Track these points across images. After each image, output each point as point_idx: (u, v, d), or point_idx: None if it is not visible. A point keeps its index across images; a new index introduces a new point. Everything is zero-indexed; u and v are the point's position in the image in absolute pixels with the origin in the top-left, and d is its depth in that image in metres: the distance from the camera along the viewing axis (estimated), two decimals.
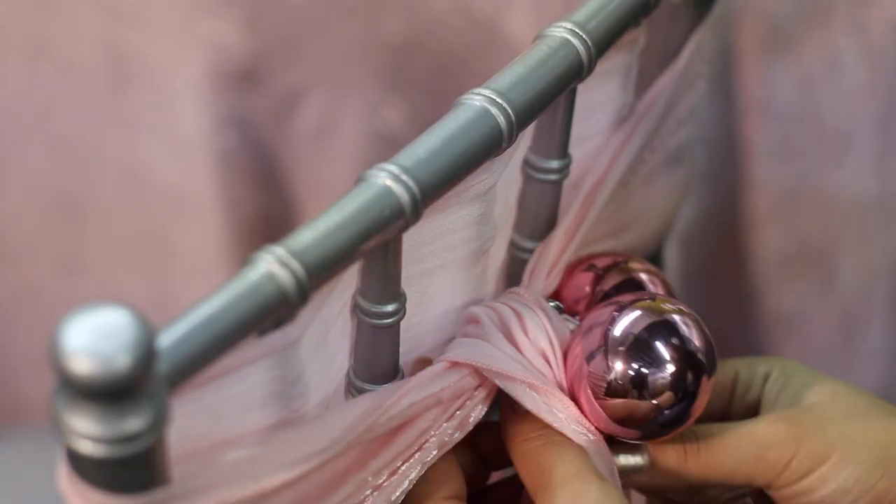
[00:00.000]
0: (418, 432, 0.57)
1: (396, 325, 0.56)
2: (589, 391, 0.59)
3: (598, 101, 0.65)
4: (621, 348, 0.58)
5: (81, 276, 1.01)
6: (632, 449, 0.61)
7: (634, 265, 0.65)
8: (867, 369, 1.01)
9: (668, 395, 0.58)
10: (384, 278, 0.55)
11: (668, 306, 0.60)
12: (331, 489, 0.54)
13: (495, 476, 0.66)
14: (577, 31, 0.58)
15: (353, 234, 0.51)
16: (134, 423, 0.45)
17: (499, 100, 0.55)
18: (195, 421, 0.50)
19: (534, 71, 0.57)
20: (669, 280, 0.66)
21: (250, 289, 0.48)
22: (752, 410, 0.65)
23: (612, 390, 0.59)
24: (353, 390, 0.58)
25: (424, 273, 0.59)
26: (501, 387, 0.59)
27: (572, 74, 0.58)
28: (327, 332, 0.55)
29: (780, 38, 0.92)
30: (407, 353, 0.59)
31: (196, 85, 0.94)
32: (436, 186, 0.53)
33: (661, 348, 0.58)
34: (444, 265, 0.59)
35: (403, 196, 0.52)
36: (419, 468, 0.57)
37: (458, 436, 0.58)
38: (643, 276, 0.65)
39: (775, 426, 0.61)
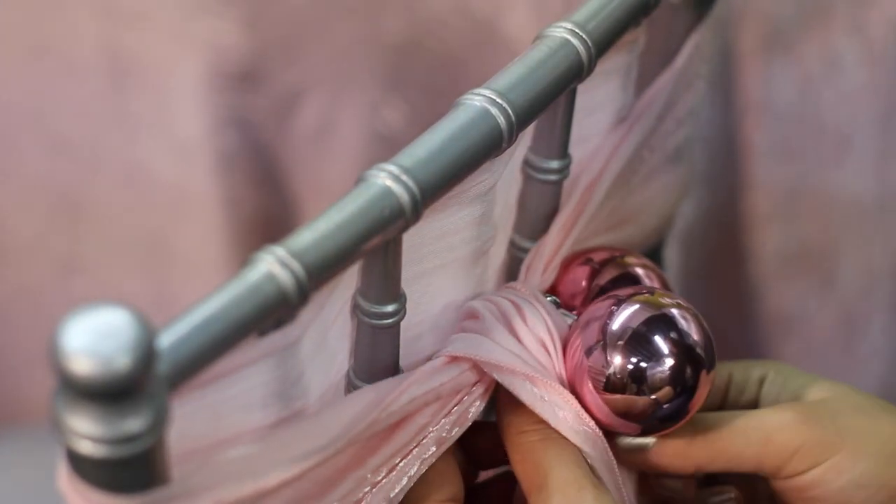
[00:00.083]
0: (416, 429, 0.57)
1: (396, 325, 0.56)
2: (589, 384, 0.59)
3: (598, 102, 0.65)
4: (620, 342, 0.58)
5: (81, 276, 1.01)
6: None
7: (631, 260, 0.65)
8: (867, 369, 1.01)
9: (666, 390, 0.58)
10: (384, 278, 0.55)
11: (666, 300, 0.60)
12: (329, 486, 0.54)
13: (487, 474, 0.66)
14: (577, 31, 0.58)
15: (353, 234, 0.51)
16: (134, 423, 0.45)
17: (499, 100, 0.55)
18: (195, 421, 0.50)
19: (534, 71, 0.57)
20: (666, 276, 0.66)
21: (250, 289, 0.48)
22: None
23: (612, 384, 0.58)
24: (352, 390, 0.58)
25: (425, 273, 0.59)
26: (500, 381, 0.59)
27: (572, 75, 0.58)
28: (327, 331, 0.55)
29: (779, 39, 0.92)
30: (407, 354, 0.59)
31: (196, 85, 0.94)
32: (436, 187, 0.53)
33: (660, 342, 0.58)
34: (444, 265, 0.59)
35: (403, 196, 0.52)
36: (418, 464, 0.57)
37: (458, 431, 0.58)
38: (639, 271, 0.65)
39: (783, 413, 0.61)
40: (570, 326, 0.61)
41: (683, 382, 0.58)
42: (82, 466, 0.46)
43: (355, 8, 0.93)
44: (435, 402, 0.57)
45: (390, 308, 0.56)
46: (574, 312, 0.63)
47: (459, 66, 0.94)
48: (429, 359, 0.59)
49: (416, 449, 0.57)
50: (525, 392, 0.59)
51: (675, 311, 0.59)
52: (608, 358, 0.59)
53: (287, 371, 0.52)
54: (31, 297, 1.02)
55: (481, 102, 0.55)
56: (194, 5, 0.92)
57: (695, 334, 0.59)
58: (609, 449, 0.59)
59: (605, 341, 0.59)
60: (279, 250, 0.49)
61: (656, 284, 0.65)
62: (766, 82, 0.93)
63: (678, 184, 0.73)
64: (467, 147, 0.54)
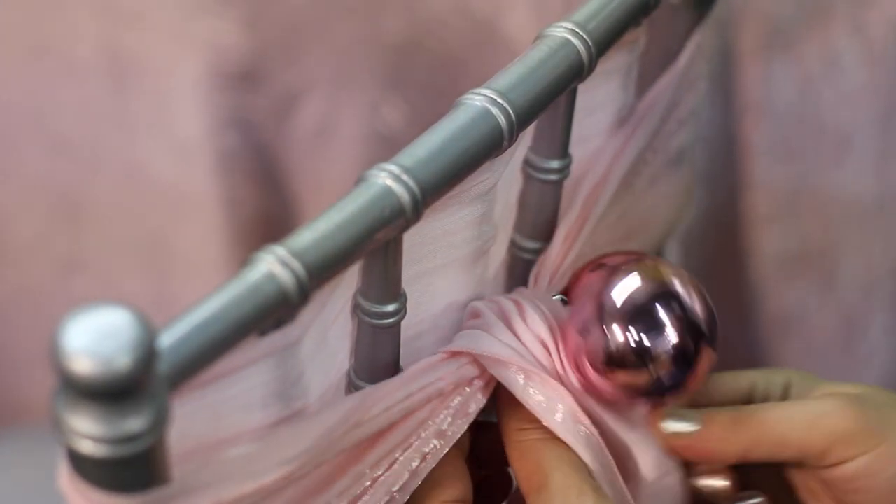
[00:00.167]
0: (416, 423, 0.57)
1: (397, 325, 0.56)
2: (588, 363, 0.59)
3: (598, 101, 0.65)
4: (620, 316, 0.58)
5: (81, 275, 1.01)
6: (681, 415, 0.60)
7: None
8: (867, 370, 1.01)
9: (668, 363, 0.58)
10: (385, 278, 0.55)
11: (667, 270, 0.59)
12: (328, 483, 0.54)
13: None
14: (577, 31, 0.58)
15: (353, 234, 0.51)
16: (135, 423, 0.45)
17: (499, 100, 0.55)
18: (195, 421, 0.50)
19: (534, 71, 0.57)
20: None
21: (251, 289, 0.48)
22: None
23: (612, 359, 0.58)
24: (353, 390, 0.58)
25: (425, 273, 0.59)
26: (497, 377, 0.59)
27: (573, 74, 0.58)
28: (327, 331, 0.55)
29: (780, 39, 0.92)
30: (407, 353, 0.59)
31: (196, 85, 0.94)
32: (436, 186, 0.53)
33: (662, 315, 0.58)
34: (444, 265, 0.59)
35: (404, 196, 0.52)
36: (419, 458, 0.57)
37: (460, 425, 0.58)
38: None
39: (829, 400, 0.60)
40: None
41: (685, 355, 0.58)
42: (83, 466, 0.46)
43: (355, 8, 0.93)
44: (437, 399, 0.57)
45: (391, 308, 0.56)
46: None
47: (459, 66, 0.94)
48: None
49: (417, 442, 0.57)
50: (519, 388, 0.59)
51: (676, 283, 0.59)
52: (607, 333, 0.58)
53: (287, 371, 0.52)
54: (31, 296, 1.02)
55: (482, 102, 0.55)
56: (194, 5, 0.92)
57: (697, 306, 0.58)
58: (606, 448, 0.59)
59: (604, 316, 0.58)
60: (280, 250, 0.49)
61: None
62: (765, 82, 0.93)
63: (682, 188, 0.73)
64: (468, 147, 0.54)
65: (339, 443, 0.54)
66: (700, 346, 0.58)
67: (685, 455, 0.61)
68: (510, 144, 0.56)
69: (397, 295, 0.56)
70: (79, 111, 0.96)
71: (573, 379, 0.60)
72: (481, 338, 0.59)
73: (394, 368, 0.58)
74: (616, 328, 0.58)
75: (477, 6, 0.92)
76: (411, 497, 0.58)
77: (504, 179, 0.60)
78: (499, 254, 0.64)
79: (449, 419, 0.58)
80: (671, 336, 0.58)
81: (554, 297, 0.62)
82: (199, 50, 0.93)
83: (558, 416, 0.58)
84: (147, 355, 0.44)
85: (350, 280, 0.55)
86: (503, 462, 0.61)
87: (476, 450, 0.62)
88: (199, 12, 0.92)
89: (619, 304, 0.58)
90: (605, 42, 0.59)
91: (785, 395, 0.63)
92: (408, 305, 0.57)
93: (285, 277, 0.49)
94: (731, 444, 0.60)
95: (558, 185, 0.63)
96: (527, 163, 0.62)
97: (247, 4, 0.92)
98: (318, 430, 0.52)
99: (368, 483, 0.56)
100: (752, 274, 0.98)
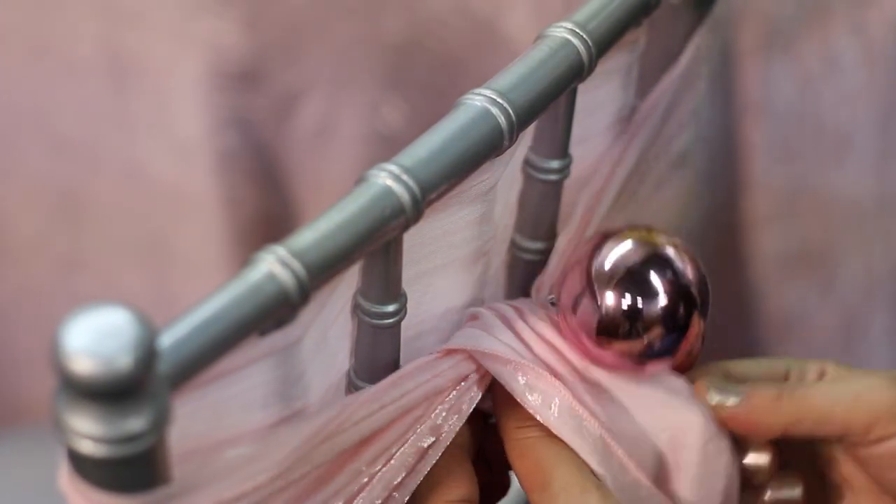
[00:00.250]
0: (411, 420, 0.57)
1: (397, 325, 0.56)
2: (585, 335, 0.59)
3: (598, 101, 0.65)
4: (612, 281, 0.58)
5: (82, 275, 1.01)
6: (725, 389, 0.60)
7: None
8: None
9: (658, 329, 0.58)
10: (385, 278, 0.55)
11: (658, 236, 0.59)
12: (325, 481, 0.54)
13: None
14: (577, 31, 0.58)
15: (354, 234, 0.51)
16: (135, 423, 0.45)
17: (499, 100, 0.55)
18: (196, 421, 0.50)
19: (534, 71, 0.57)
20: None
21: (251, 289, 0.48)
22: None
23: (604, 326, 0.58)
24: (353, 390, 0.58)
25: (425, 273, 0.59)
26: (493, 373, 0.59)
27: (573, 74, 0.58)
28: (328, 331, 0.55)
29: (779, 38, 0.92)
30: (407, 353, 0.59)
31: (196, 85, 0.94)
32: (436, 186, 0.53)
33: (651, 277, 0.58)
34: (445, 265, 0.59)
35: (404, 196, 0.52)
36: (415, 455, 0.57)
37: (455, 421, 0.58)
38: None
39: (872, 376, 0.60)
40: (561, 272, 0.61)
41: (676, 321, 0.58)
42: (83, 466, 0.46)
43: (355, 8, 0.93)
44: (433, 395, 0.57)
45: (391, 308, 0.56)
46: None
47: (459, 66, 0.94)
48: None
49: (412, 437, 0.57)
50: (515, 384, 0.58)
51: (668, 248, 0.59)
52: (598, 298, 0.58)
53: (288, 371, 0.52)
54: (31, 295, 1.02)
55: (482, 102, 0.55)
56: (194, 5, 0.92)
57: (688, 270, 0.59)
58: (607, 435, 0.59)
59: (594, 282, 0.58)
60: (280, 250, 0.49)
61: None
62: (765, 82, 0.93)
63: (685, 190, 0.73)
64: (468, 147, 0.54)
65: (337, 442, 0.54)
66: (692, 310, 0.58)
67: (729, 426, 0.61)
68: (510, 144, 0.56)
69: (397, 295, 0.56)
70: (79, 111, 0.96)
71: (577, 363, 0.60)
72: (477, 336, 0.59)
73: (394, 368, 0.58)
74: (608, 293, 0.58)
75: (477, 6, 0.92)
76: (416, 497, 0.58)
77: (504, 179, 0.60)
78: (499, 254, 0.64)
79: (443, 414, 0.58)
80: (662, 299, 0.58)
81: (548, 299, 0.62)
82: (199, 50, 0.93)
83: (554, 411, 0.58)
84: (148, 355, 0.44)
85: (350, 280, 0.55)
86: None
87: (485, 452, 0.62)
88: (199, 12, 0.92)
89: (608, 268, 0.59)
90: (605, 42, 0.59)
91: (819, 380, 0.63)
92: (408, 305, 0.57)
93: (286, 277, 0.49)
94: (775, 417, 0.60)
95: (558, 185, 0.63)
96: (527, 163, 0.62)
97: (247, 4, 0.92)
98: (315, 430, 0.52)
99: (365, 480, 0.56)
100: (752, 274, 0.98)
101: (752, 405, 0.60)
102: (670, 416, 0.60)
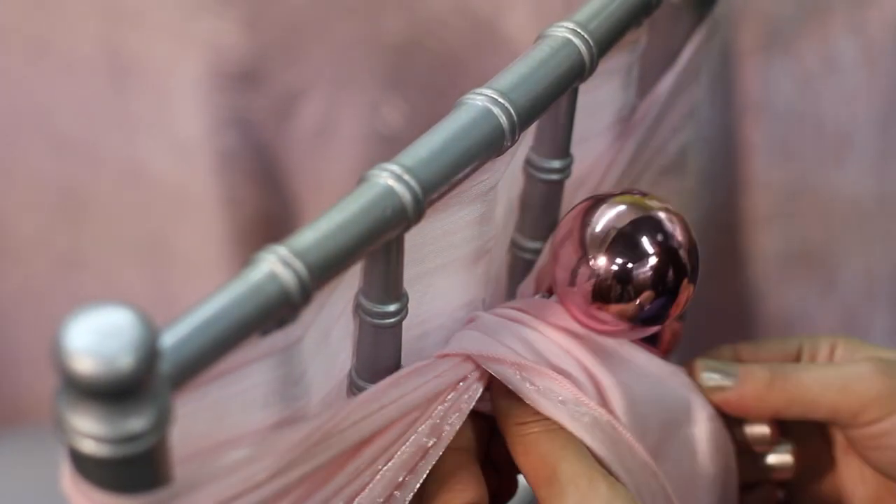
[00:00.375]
0: (411, 420, 0.57)
1: (398, 325, 0.56)
2: (582, 299, 0.59)
3: (599, 101, 0.65)
4: (604, 245, 0.59)
5: (82, 274, 1.01)
6: (719, 371, 0.62)
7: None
8: None
9: (648, 292, 0.58)
10: (386, 278, 0.55)
11: (653, 203, 0.60)
12: (325, 481, 0.54)
13: None
14: (578, 31, 0.58)
15: (355, 233, 0.51)
16: (137, 422, 0.45)
17: (501, 100, 0.55)
18: (197, 420, 0.50)
19: (536, 71, 0.57)
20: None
21: (253, 289, 0.48)
22: None
23: (598, 291, 0.59)
24: (354, 390, 0.58)
25: (426, 273, 0.59)
26: (495, 374, 0.59)
27: (574, 74, 0.58)
28: (329, 331, 0.55)
29: (779, 38, 0.92)
30: (409, 353, 0.59)
31: (196, 85, 0.94)
32: (438, 186, 0.53)
33: (645, 243, 0.58)
34: (445, 265, 0.59)
35: (406, 196, 0.52)
36: (415, 452, 0.57)
37: (455, 420, 0.58)
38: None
39: (862, 364, 0.62)
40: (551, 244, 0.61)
41: (665, 283, 0.58)
42: (85, 466, 0.46)
43: (355, 8, 0.93)
44: (432, 396, 0.58)
45: (392, 308, 0.56)
46: None
47: (459, 66, 0.94)
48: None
49: (413, 437, 0.57)
50: (517, 381, 0.59)
51: (661, 214, 0.59)
52: (592, 263, 0.59)
53: (289, 371, 0.52)
54: (32, 294, 1.02)
55: (483, 102, 0.55)
56: (194, 5, 0.92)
57: (679, 237, 0.59)
58: (616, 424, 0.59)
59: (587, 247, 0.59)
60: (281, 250, 0.49)
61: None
62: (765, 82, 0.93)
63: (684, 190, 0.73)
64: (469, 147, 0.54)
65: (336, 442, 0.54)
66: (681, 273, 0.59)
67: (721, 409, 0.63)
68: (511, 144, 0.56)
69: (399, 295, 0.56)
70: (79, 110, 0.96)
71: (581, 356, 0.60)
72: (476, 338, 0.59)
73: (395, 368, 0.58)
74: (600, 257, 0.59)
75: (477, 6, 0.92)
76: (425, 501, 0.58)
77: (505, 179, 0.60)
78: (500, 254, 0.64)
79: (443, 414, 0.58)
80: (652, 261, 0.58)
81: (539, 297, 0.62)
82: (200, 50, 0.93)
83: (559, 403, 0.58)
84: (149, 355, 0.44)
85: (351, 280, 0.55)
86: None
87: (491, 456, 0.62)
88: (200, 12, 0.92)
89: (600, 232, 0.59)
90: (606, 42, 0.59)
91: (830, 356, 0.65)
92: (409, 305, 0.57)
93: (287, 277, 0.49)
94: (766, 402, 0.62)
95: (559, 184, 0.63)
96: (528, 163, 0.62)
97: (247, 4, 0.92)
98: (314, 428, 0.52)
99: (366, 479, 0.56)
100: (752, 274, 0.98)
101: (743, 391, 0.63)
102: (675, 399, 0.62)
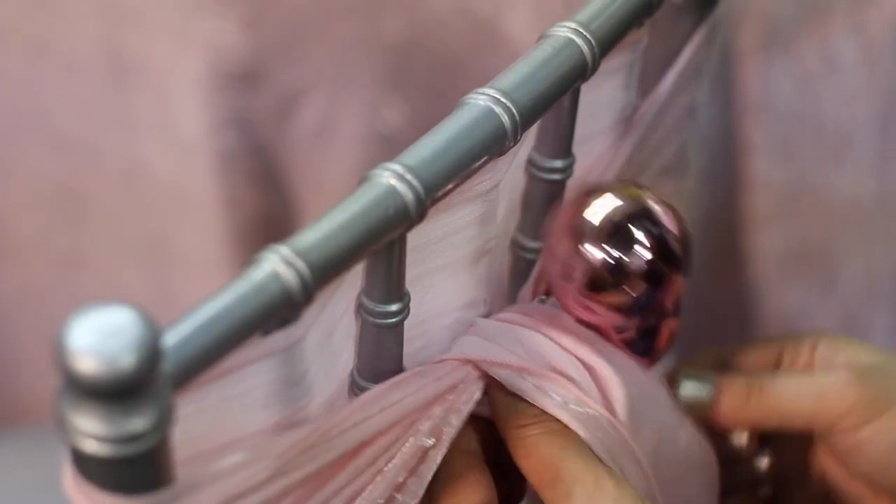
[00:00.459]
0: (410, 422, 0.57)
1: (400, 324, 0.56)
2: (577, 292, 0.59)
3: (601, 101, 0.65)
4: (599, 236, 0.58)
5: (82, 273, 1.01)
6: (697, 382, 0.63)
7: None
8: None
9: (640, 283, 0.58)
10: (388, 278, 0.55)
11: (646, 192, 0.59)
12: (325, 482, 0.54)
13: None
14: (580, 30, 0.58)
15: (357, 233, 0.51)
16: (139, 422, 0.45)
17: (503, 99, 0.55)
18: (199, 421, 0.50)
19: (538, 70, 0.57)
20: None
21: (255, 288, 0.48)
22: None
23: (592, 283, 0.59)
24: (356, 390, 0.58)
25: (427, 273, 0.59)
26: (496, 377, 0.59)
27: (576, 74, 0.58)
28: (332, 331, 0.55)
29: (779, 38, 0.92)
30: (410, 353, 0.59)
31: (196, 85, 0.94)
32: (440, 186, 0.53)
33: (634, 230, 0.58)
34: (446, 265, 0.59)
35: (408, 195, 0.52)
36: (415, 454, 0.57)
37: (455, 421, 0.58)
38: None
39: (837, 374, 0.63)
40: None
41: (659, 274, 0.58)
42: (87, 466, 0.46)
43: (355, 8, 0.93)
44: (434, 399, 0.58)
45: (394, 307, 0.56)
46: None
47: (459, 67, 0.94)
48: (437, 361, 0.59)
49: (413, 438, 0.57)
50: (522, 384, 0.59)
51: (653, 204, 0.59)
52: (585, 254, 0.58)
53: (291, 371, 0.52)
54: (32, 294, 1.02)
55: (485, 102, 0.55)
56: (194, 5, 0.92)
57: (673, 228, 0.59)
58: (617, 423, 0.59)
59: (581, 238, 0.59)
60: (283, 249, 0.49)
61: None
62: (765, 82, 0.93)
63: (684, 190, 0.73)
64: (472, 146, 0.54)
65: (338, 443, 0.54)
66: (674, 263, 0.59)
67: (698, 421, 0.63)
68: (514, 144, 0.56)
69: (401, 295, 0.56)
70: (79, 110, 0.96)
71: (584, 356, 0.60)
72: (477, 343, 0.59)
73: (397, 368, 0.58)
74: (593, 247, 0.59)
75: (477, 6, 0.92)
76: (431, 502, 0.58)
77: (507, 179, 0.60)
78: (502, 254, 0.64)
79: (442, 415, 0.58)
80: (645, 251, 0.58)
81: (538, 301, 0.63)
82: (200, 50, 0.93)
83: (558, 399, 0.58)
84: (151, 354, 0.44)
85: (353, 280, 0.55)
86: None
87: (501, 461, 0.62)
88: (200, 12, 0.92)
89: (593, 222, 0.59)
90: (608, 42, 0.59)
91: (811, 358, 0.65)
92: (411, 305, 0.57)
93: (289, 277, 0.49)
94: (743, 415, 0.63)
95: (562, 184, 0.63)
96: (530, 162, 0.62)
97: (247, 4, 0.92)
98: (314, 428, 0.52)
99: (366, 479, 0.56)
100: (752, 274, 0.98)
101: (720, 406, 0.63)
102: (665, 404, 0.61)
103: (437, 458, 0.58)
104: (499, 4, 0.92)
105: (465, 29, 0.93)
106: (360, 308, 0.56)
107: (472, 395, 0.59)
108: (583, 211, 0.59)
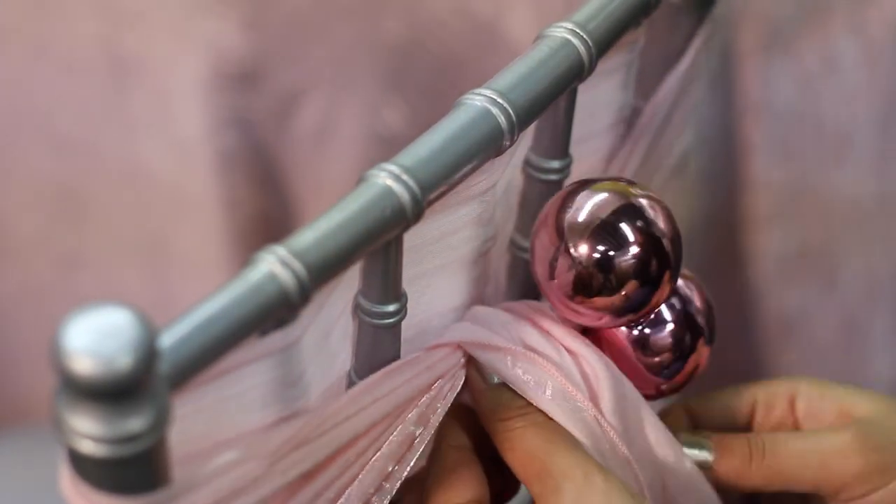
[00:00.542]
0: (398, 411, 0.57)
1: (398, 325, 0.56)
2: (563, 293, 0.58)
3: (598, 101, 0.65)
4: (586, 234, 0.58)
5: (82, 273, 1.01)
6: (698, 445, 0.61)
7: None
8: (869, 370, 1.01)
9: (631, 282, 0.57)
10: (385, 278, 0.55)
11: (634, 189, 0.59)
12: (318, 471, 0.54)
13: None
14: (577, 31, 0.58)
15: (354, 234, 0.51)
16: (135, 423, 0.45)
17: (500, 100, 0.55)
18: (196, 421, 0.50)
19: (535, 71, 0.57)
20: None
21: (252, 289, 0.48)
22: (785, 429, 0.64)
23: (581, 281, 0.58)
24: None
25: (425, 273, 0.59)
26: (484, 362, 0.59)
27: (573, 74, 0.58)
28: (329, 332, 0.55)
29: (779, 38, 0.92)
30: (408, 353, 0.59)
31: (196, 85, 0.94)
32: (437, 186, 0.53)
33: (622, 226, 0.57)
34: (444, 265, 0.59)
35: (404, 196, 0.52)
36: (402, 442, 0.57)
37: (440, 408, 0.58)
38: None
39: (840, 436, 0.61)
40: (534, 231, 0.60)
41: (649, 272, 0.57)
42: (84, 466, 0.46)
43: (355, 8, 0.93)
44: (425, 389, 0.58)
45: (391, 308, 0.56)
46: None
47: (459, 68, 0.94)
48: None
49: (401, 426, 0.57)
50: (508, 370, 0.58)
51: (643, 201, 0.58)
52: (573, 253, 0.58)
53: (288, 371, 0.52)
54: (32, 294, 1.02)
55: (482, 102, 0.55)
56: (194, 5, 0.92)
57: (662, 225, 0.58)
58: (601, 417, 0.59)
59: (567, 236, 0.58)
60: (280, 250, 0.49)
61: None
62: (765, 82, 0.93)
63: (686, 192, 0.73)
64: (468, 147, 0.54)
65: (333, 437, 0.54)
66: (664, 261, 0.58)
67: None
68: (510, 144, 0.56)
69: (398, 295, 0.56)
70: (79, 110, 0.96)
71: (573, 347, 0.60)
72: (467, 328, 0.59)
73: None
74: (581, 245, 0.58)
75: (477, 7, 0.92)
76: (424, 499, 0.58)
77: (504, 180, 0.60)
78: (499, 254, 0.64)
79: (428, 402, 0.58)
80: (634, 249, 0.57)
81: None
82: (200, 50, 0.93)
83: (548, 393, 0.58)
84: (148, 355, 0.44)
85: (351, 281, 0.55)
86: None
87: (495, 455, 0.62)
88: (200, 12, 0.92)
89: (581, 220, 0.58)
90: (605, 42, 0.59)
91: (791, 408, 0.63)
92: (408, 305, 0.57)
93: (286, 277, 0.49)
94: (743, 479, 0.61)
95: (559, 184, 0.63)
96: (527, 163, 0.62)
97: (247, 4, 0.92)
98: (305, 422, 0.52)
99: (357, 470, 0.56)
100: (752, 274, 0.98)
101: (721, 469, 0.61)
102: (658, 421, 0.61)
103: (422, 444, 0.57)
104: (499, 5, 0.92)
105: (465, 30, 0.93)
106: (357, 308, 0.56)
107: (457, 382, 0.59)
108: (568, 208, 0.59)
